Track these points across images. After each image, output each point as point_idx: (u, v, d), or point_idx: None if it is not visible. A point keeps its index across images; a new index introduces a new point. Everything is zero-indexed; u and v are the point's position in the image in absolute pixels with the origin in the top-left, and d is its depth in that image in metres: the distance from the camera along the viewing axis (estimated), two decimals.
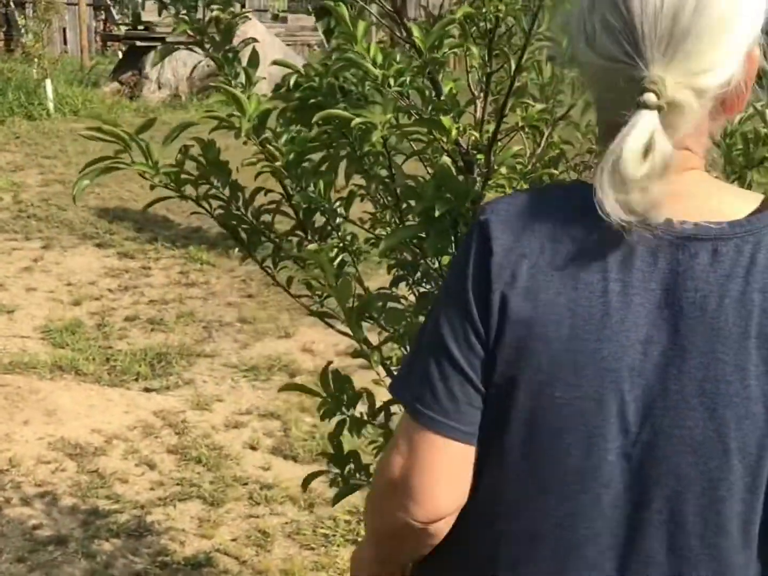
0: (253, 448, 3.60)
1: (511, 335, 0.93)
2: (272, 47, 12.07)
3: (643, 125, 0.88)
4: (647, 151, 0.88)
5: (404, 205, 1.31)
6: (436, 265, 1.26)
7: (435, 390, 0.97)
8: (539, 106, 1.44)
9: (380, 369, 1.52)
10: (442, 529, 1.01)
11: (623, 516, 0.94)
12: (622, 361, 0.91)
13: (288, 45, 13.53)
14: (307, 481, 1.57)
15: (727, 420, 0.91)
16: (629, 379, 0.91)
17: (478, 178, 1.44)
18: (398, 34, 1.37)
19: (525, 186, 1.71)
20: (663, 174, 0.89)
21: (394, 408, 1.41)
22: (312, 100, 1.49)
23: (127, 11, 16.38)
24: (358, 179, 1.54)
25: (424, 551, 1.05)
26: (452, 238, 1.17)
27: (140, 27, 12.28)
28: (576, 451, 0.93)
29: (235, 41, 1.53)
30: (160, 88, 11.94)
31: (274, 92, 1.58)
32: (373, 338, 1.51)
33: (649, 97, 0.88)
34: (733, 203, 0.95)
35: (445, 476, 0.98)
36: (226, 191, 1.44)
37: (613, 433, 0.92)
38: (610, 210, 0.89)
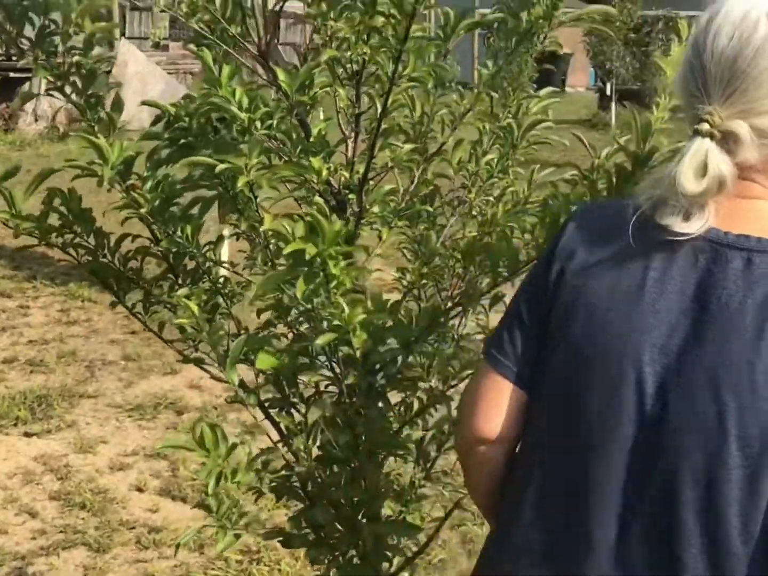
0: (139, 490, 3.50)
1: (563, 299, 1.13)
2: (153, 76, 11.90)
3: (696, 148, 1.04)
4: (704, 171, 1.04)
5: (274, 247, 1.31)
6: (311, 305, 1.25)
7: (502, 337, 1.19)
8: (408, 147, 1.47)
9: (258, 412, 1.50)
10: (488, 456, 1.22)
11: (629, 479, 1.07)
12: (648, 336, 1.06)
13: (170, 73, 13.36)
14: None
15: (730, 407, 1.02)
16: (650, 354, 1.06)
17: (351, 218, 1.45)
18: (265, 77, 1.37)
19: (400, 223, 1.74)
20: (718, 192, 1.05)
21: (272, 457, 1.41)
22: (183, 141, 1.47)
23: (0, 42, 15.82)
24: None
25: (481, 477, 1.26)
26: (326, 279, 1.17)
27: (14, 58, 11.91)
28: (598, 408, 1.08)
29: (115, 71, 1.49)
30: (36, 120, 11.60)
31: (153, 125, 1.55)
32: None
33: (702, 126, 1.05)
34: None
35: (488, 403, 1.19)
36: (91, 239, 1.40)
37: (630, 400, 1.06)
38: (667, 222, 1.06)
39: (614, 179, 1.57)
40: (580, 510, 1.10)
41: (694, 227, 1.06)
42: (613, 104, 15.84)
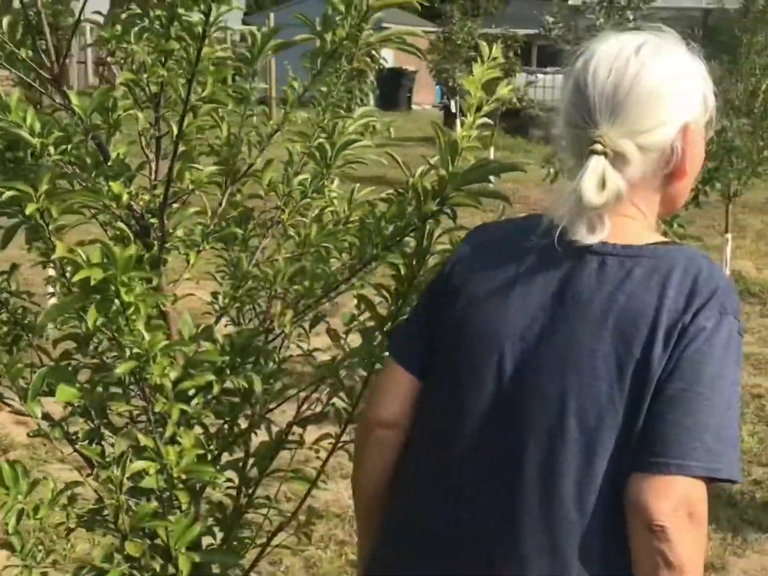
0: None
1: (449, 300, 1.36)
2: None
3: (594, 165, 1.24)
4: (603, 185, 1.24)
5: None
6: (111, 333, 1.24)
7: (402, 334, 1.47)
8: (210, 169, 1.48)
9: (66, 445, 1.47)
10: (384, 438, 1.42)
11: (484, 447, 1.28)
12: (510, 326, 1.29)
13: None
14: None
15: (572, 385, 1.23)
16: (511, 341, 1.28)
17: (155, 242, 1.44)
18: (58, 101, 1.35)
19: (215, 246, 1.75)
20: (615, 204, 1.26)
21: (79, 489, 1.38)
22: None
23: None
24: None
25: (375, 462, 1.44)
26: (121, 306, 1.16)
27: None
28: (466, 387, 1.31)
29: None
30: None
31: None
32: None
33: (596, 146, 1.25)
34: (641, 237, 1.29)
35: (387, 389, 1.42)
36: None
37: (490, 380, 1.29)
38: (564, 234, 1.26)
39: (422, 198, 1.63)
40: (443, 482, 1.33)
41: (597, 237, 1.27)
42: (458, 121, 16.22)
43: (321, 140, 1.79)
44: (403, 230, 1.56)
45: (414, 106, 22.61)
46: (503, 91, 1.68)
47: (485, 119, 1.70)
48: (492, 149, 12.87)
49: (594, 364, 1.22)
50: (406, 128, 16.14)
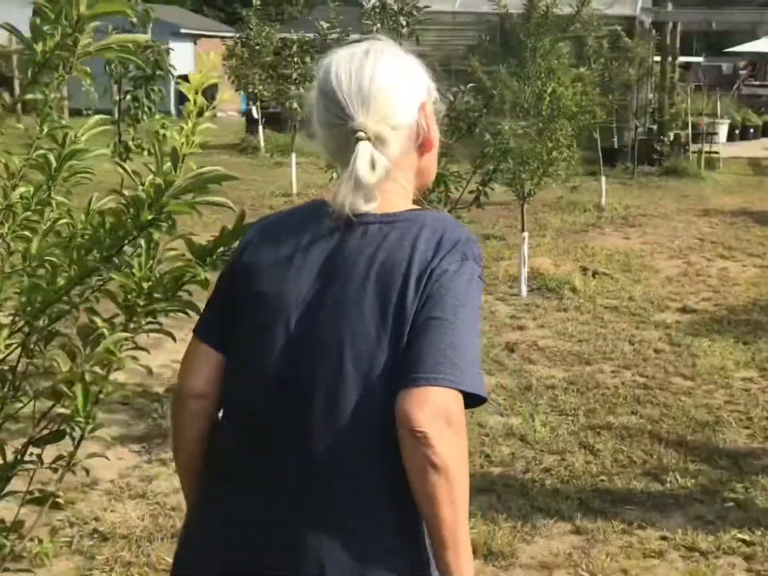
0: None
1: (240, 277, 1.61)
2: None
3: (364, 149, 1.52)
4: (373, 165, 1.52)
5: None
6: None
7: (205, 315, 1.69)
8: None
9: None
10: (194, 409, 1.65)
11: (279, 402, 1.54)
12: (294, 295, 1.55)
13: None
14: None
15: (346, 335, 1.51)
16: (294, 306, 1.55)
17: None
18: None
19: None
20: (385, 181, 1.54)
21: None
22: None
23: None
24: None
25: (188, 432, 1.68)
26: None
27: None
28: (261, 350, 1.56)
29: None
30: None
31: None
32: None
33: (360, 134, 1.53)
34: (398, 206, 1.58)
35: (193, 364, 1.65)
36: None
37: (280, 341, 1.54)
38: (343, 208, 1.53)
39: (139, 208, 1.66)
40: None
41: (367, 209, 1.54)
42: (261, 128, 16.27)
43: (44, 150, 1.78)
44: (122, 240, 1.57)
45: (219, 114, 22.41)
46: (224, 96, 1.73)
47: (208, 124, 1.75)
48: (293, 155, 12.98)
49: (362, 315, 1.51)
50: (210, 135, 16.00)
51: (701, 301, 7.80)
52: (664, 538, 3.86)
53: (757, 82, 30.79)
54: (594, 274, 8.54)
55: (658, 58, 18.37)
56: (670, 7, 17.18)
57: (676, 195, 13.37)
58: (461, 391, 1.44)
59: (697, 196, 13.25)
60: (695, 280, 8.57)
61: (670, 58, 18.48)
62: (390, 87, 1.57)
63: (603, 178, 11.91)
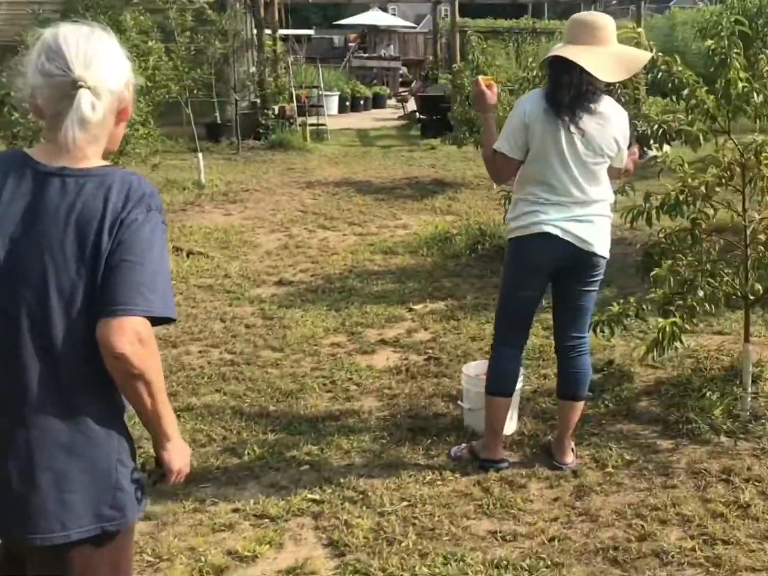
0: None
1: None
2: None
3: (85, 95, 2.01)
4: (93, 108, 2.02)
5: None
6: None
7: None
8: None
9: None
10: None
11: None
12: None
13: None
14: None
15: (50, 268, 1.98)
16: (2, 244, 2.01)
17: None
18: None
19: None
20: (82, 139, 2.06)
21: None
22: None
23: None
24: None
25: None
26: None
27: None
28: None
29: None
30: None
31: None
32: None
33: (82, 83, 2.00)
34: (93, 162, 2.08)
35: None
36: None
37: None
38: (70, 144, 2.04)
39: None
40: None
41: (62, 164, 2.04)
42: None
43: None
44: None
45: None
46: None
47: None
48: None
49: (64, 252, 1.97)
50: None
51: (299, 273, 8.19)
52: (235, 510, 4.03)
53: (366, 55, 32.67)
54: (189, 253, 8.65)
55: (269, 32, 18.88)
56: None
57: (281, 168, 13.88)
58: (151, 317, 2.01)
59: (302, 169, 13.84)
60: (295, 252, 8.97)
61: (270, 31, 19.07)
62: (109, 56, 2.08)
63: (200, 155, 12.06)
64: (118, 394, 2.09)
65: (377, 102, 26.59)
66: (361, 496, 4.13)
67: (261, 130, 16.18)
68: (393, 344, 6.26)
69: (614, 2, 31.85)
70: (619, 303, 4.90)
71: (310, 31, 35.45)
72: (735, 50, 4.52)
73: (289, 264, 8.50)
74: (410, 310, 7.05)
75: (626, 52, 4.14)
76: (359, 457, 4.53)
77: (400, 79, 30.92)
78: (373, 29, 35.23)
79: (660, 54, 4.73)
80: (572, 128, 4.01)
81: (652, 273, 4.86)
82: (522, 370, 4.74)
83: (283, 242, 9.37)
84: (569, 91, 3.99)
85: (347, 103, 24.90)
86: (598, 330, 4.70)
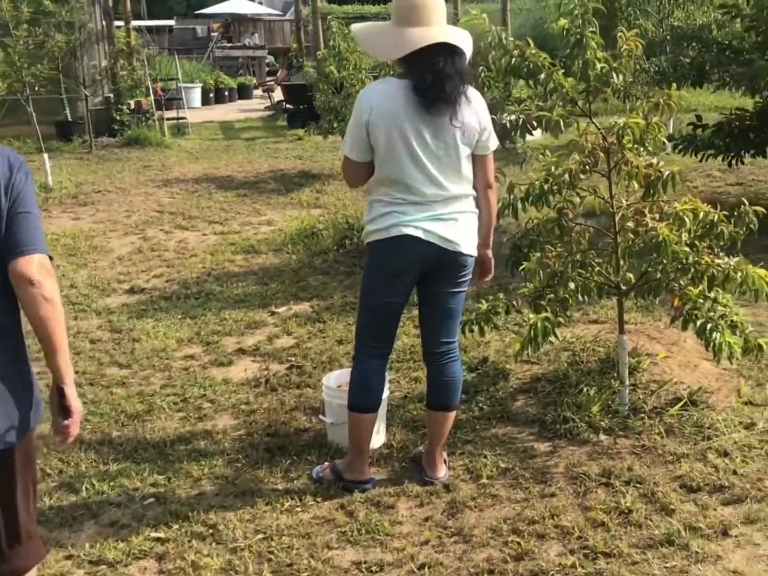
0: None
1: None
2: None
3: None
4: None
5: None
6: None
7: None
8: None
9: None
10: None
11: None
12: None
13: None
14: None
15: None
16: None
17: None
18: None
19: None
20: None
21: None
22: None
23: None
24: None
25: None
26: None
27: None
28: None
29: None
30: None
31: None
32: None
33: None
34: None
35: None
36: None
37: None
38: None
39: None
40: None
41: None
42: None
43: None
44: None
45: None
46: None
47: None
48: None
49: None
50: None
51: (152, 279, 7.75)
52: (69, 557, 3.64)
53: (230, 45, 32.04)
54: None
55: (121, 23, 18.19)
56: None
57: (138, 166, 13.30)
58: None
59: (160, 166, 13.29)
60: (150, 256, 8.51)
61: (122, 23, 18.38)
62: None
63: (46, 156, 11.41)
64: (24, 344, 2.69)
65: (243, 93, 26.01)
66: (211, 530, 3.77)
67: (116, 127, 15.52)
68: (252, 353, 5.91)
69: None
70: (488, 299, 4.67)
71: (171, 22, 34.62)
72: (591, 29, 4.33)
73: (143, 270, 8.05)
74: (272, 313, 6.71)
75: (459, 32, 3.87)
76: (211, 484, 4.17)
77: (267, 69, 30.42)
78: (237, 18, 34.62)
79: (511, 39, 4.51)
80: (454, 121, 3.74)
81: (520, 267, 4.64)
82: (389, 375, 4.46)
83: (136, 246, 8.89)
84: (449, 79, 3.71)
85: (211, 95, 24.28)
86: (467, 330, 4.45)
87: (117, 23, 18.37)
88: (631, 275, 4.60)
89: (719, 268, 4.28)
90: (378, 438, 4.41)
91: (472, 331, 4.50)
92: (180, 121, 17.25)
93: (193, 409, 5.03)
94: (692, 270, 4.35)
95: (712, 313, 4.41)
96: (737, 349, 4.33)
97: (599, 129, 4.47)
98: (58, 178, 11.75)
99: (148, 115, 15.93)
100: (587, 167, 4.37)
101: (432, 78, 3.70)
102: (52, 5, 12.12)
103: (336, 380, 4.55)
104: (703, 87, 9.39)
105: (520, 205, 4.56)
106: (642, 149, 4.40)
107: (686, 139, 9.00)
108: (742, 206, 4.47)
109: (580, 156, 4.43)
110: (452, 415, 4.15)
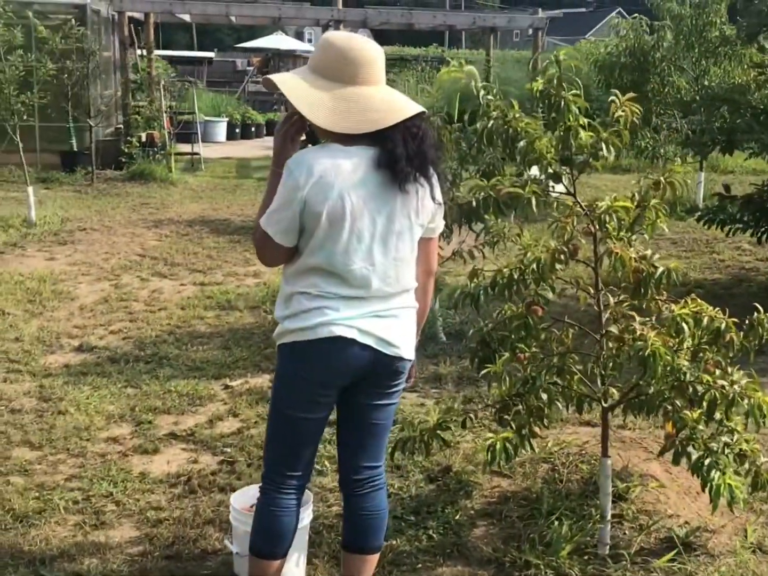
0: None
1: None
2: None
3: None
4: None
5: None
6: None
7: None
8: None
9: None
10: None
11: None
12: None
13: None
14: None
15: None
16: None
17: None
18: None
19: None
20: None
21: None
22: None
23: None
24: None
25: None
26: None
27: None
28: None
29: None
30: None
31: None
32: None
33: None
34: None
35: None
36: None
37: None
38: None
39: None
40: None
41: None
42: None
43: None
44: None
45: None
46: None
47: None
48: None
49: None
50: None
51: (108, 335, 6.98)
52: None
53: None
54: None
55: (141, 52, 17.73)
56: None
57: (135, 203, 12.62)
58: None
59: (158, 204, 12.62)
60: (115, 307, 7.76)
61: (143, 51, 17.90)
62: None
63: (31, 189, 10.72)
64: None
65: (272, 129, 25.48)
66: None
67: (123, 159, 14.90)
68: (185, 439, 5.09)
69: (529, 33, 31.23)
70: (440, 407, 3.83)
71: (210, 54, 34.30)
72: (574, 91, 3.52)
73: (102, 323, 7.28)
74: (225, 387, 5.91)
75: (396, 98, 3.06)
76: None
77: None
78: (278, 53, 34.29)
79: (490, 97, 3.71)
80: (417, 201, 2.97)
81: (483, 371, 3.81)
82: (311, 495, 3.64)
83: (105, 294, 8.15)
84: (427, 151, 2.99)
85: (237, 130, 23.75)
86: (398, 453, 3.61)
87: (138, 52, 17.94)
88: (614, 391, 3.74)
89: (723, 392, 3.42)
90: (297, 571, 3.58)
91: (408, 452, 3.66)
92: (194, 156, 16.61)
93: (92, 513, 4.21)
94: (690, 390, 3.49)
95: (713, 444, 3.55)
96: (740, 494, 3.46)
97: (584, 210, 3.64)
98: (44, 213, 11.09)
99: (156, 148, 15.29)
100: (563, 256, 3.53)
101: (404, 150, 2.92)
102: (46, 32, 11.50)
103: (249, 499, 3.71)
104: (732, 154, 8.52)
105: (482, 296, 3.73)
106: (633, 236, 3.58)
107: (712, 210, 8.11)
108: (756, 314, 3.62)
109: (557, 242, 3.60)
110: (373, 558, 3.31)
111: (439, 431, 3.71)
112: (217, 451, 4.94)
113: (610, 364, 3.63)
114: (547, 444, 4.63)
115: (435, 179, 3.06)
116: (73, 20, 13.18)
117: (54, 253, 9.59)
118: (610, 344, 3.61)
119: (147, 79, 17.07)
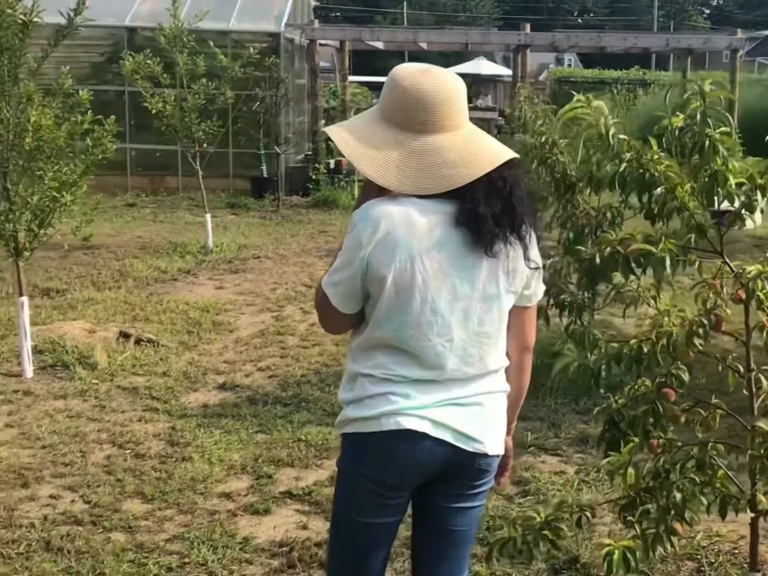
0: None
1: None
2: None
3: None
4: None
5: None
6: None
7: None
8: None
9: None
10: None
11: None
12: None
13: None
14: None
15: None
16: None
17: None
18: None
19: None
20: None
21: None
22: None
23: None
24: None
25: None
26: None
27: None
28: None
29: None
30: None
31: None
32: None
33: None
34: None
35: None
36: None
37: None
38: None
39: None
40: None
41: None
42: None
43: None
44: None
45: None
46: None
47: None
48: None
49: None
50: None
51: (255, 372, 6.67)
52: None
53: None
54: (138, 341, 7.21)
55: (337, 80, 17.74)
56: (316, 24, 16.46)
57: (314, 231, 12.43)
58: None
59: (337, 232, 12.35)
60: (270, 341, 7.46)
61: (339, 79, 17.91)
62: None
63: (209, 216, 10.68)
64: None
65: None
66: None
67: (310, 186, 14.80)
68: (301, 498, 4.63)
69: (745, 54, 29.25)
70: (542, 508, 3.18)
71: None
72: (723, 129, 2.82)
73: (252, 358, 6.98)
74: None
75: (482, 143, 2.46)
76: None
77: (495, 130, 29.38)
78: (477, 79, 33.89)
79: (623, 137, 3.05)
80: (505, 264, 2.43)
81: (605, 459, 3.13)
82: None
83: (264, 326, 7.87)
84: (517, 206, 2.42)
85: None
86: (493, 560, 2.98)
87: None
88: (763, 499, 2.98)
89: None
90: None
91: (498, 560, 3.03)
92: None
93: None
94: None
95: None
96: None
97: (734, 271, 2.92)
98: (223, 239, 11.02)
99: (341, 175, 15.12)
100: (701, 330, 2.82)
101: (488, 208, 2.35)
102: (226, 61, 11.47)
103: None
104: None
105: (604, 371, 3.06)
106: None
107: None
108: None
109: (697, 311, 2.89)
110: None
111: (546, 531, 3.06)
112: (329, 515, 4.44)
113: (758, 466, 2.87)
114: (695, 536, 3.87)
115: (530, 238, 2.45)
116: (251, 48, 13.14)
117: (224, 282, 9.44)
118: (759, 440, 2.85)
119: (342, 105, 17.03)
